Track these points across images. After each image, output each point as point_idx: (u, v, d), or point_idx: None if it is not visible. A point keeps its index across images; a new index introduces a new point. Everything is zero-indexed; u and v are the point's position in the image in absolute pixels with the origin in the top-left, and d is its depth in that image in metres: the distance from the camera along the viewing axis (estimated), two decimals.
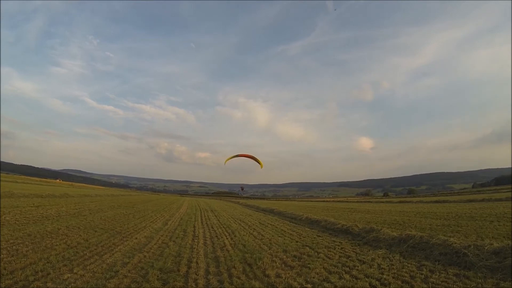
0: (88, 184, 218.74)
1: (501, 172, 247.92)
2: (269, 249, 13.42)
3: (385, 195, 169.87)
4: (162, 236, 16.71)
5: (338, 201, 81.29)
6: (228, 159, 55.20)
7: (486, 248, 10.23)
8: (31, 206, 25.73)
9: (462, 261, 9.99)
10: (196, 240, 15.78)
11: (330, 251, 12.73)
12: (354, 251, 12.65)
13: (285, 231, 19.26)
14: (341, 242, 14.78)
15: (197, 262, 11.03)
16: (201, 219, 27.25)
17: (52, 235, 14.71)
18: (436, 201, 43.93)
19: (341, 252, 12.51)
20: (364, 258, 11.32)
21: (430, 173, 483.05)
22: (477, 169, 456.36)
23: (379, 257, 11.41)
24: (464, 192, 79.36)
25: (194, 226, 21.47)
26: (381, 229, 15.52)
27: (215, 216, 31.14)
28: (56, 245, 12.68)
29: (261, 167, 56.96)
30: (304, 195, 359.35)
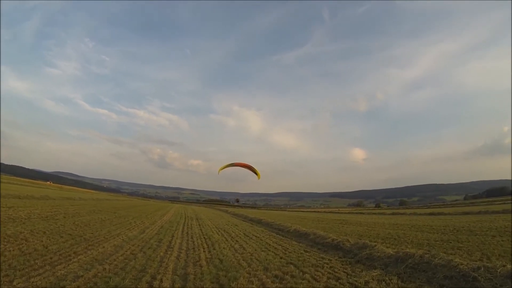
0: (79, 187, 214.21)
1: (492, 184, 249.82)
2: (248, 266, 11.78)
3: (377, 206, 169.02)
4: (133, 245, 15.19)
5: (329, 212, 79.70)
6: (222, 168, 52.98)
7: (498, 271, 8.70)
8: (2, 207, 23.92)
9: (471, 287, 8.46)
10: (169, 252, 14.17)
11: (318, 271, 11.07)
12: (344, 271, 10.99)
13: (269, 245, 17.56)
14: (331, 260, 13.10)
15: (161, 280, 9.49)
16: (183, 228, 25.44)
17: (10, 239, 13.38)
18: (431, 213, 42.56)
19: (329, 273, 10.83)
20: (356, 280, 9.67)
21: (422, 185, 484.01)
22: (468, 181, 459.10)
23: (373, 279, 9.76)
24: (458, 204, 78.36)
25: (172, 236, 19.73)
26: (375, 245, 13.80)
27: (199, 225, 29.35)
28: (8, 251, 11.32)
29: (258, 178, 54.57)
30: (296, 205, 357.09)
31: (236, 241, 19.01)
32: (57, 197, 48.80)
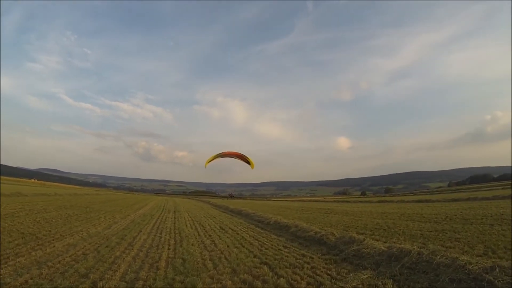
0: (64, 183, 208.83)
1: (475, 171, 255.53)
2: (214, 268, 9.80)
3: (363, 194, 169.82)
4: (89, 244, 13.37)
5: (315, 201, 78.30)
6: (210, 160, 50.03)
7: None
8: None
9: None
10: (127, 251, 12.15)
11: (296, 273, 9.10)
12: (328, 273, 9.02)
13: (245, 239, 15.55)
14: (312, 257, 11.10)
15: None
16: (155, 222, 23.21)
17: None
18: (418, 201, 41.29)
19: (310, 276, 8.85)
20: (342, 286, 7.75)
21: (407, 172, 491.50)
22: (452, 168, 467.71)
23: (363, 284, 7.85)
24: (444, 191, 78.10)
25: (139, 231, 17.59)
26: (364, 239, 11.77)
27: (174, 218, 27.14)
28: None
29: (252, 167, 51.73)
30: (282, 194, 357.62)
31: (209, 235, 17.00)
32: (30, 193, 46.15)
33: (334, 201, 68.01)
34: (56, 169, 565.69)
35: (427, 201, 39.85)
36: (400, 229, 16.22)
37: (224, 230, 19.40)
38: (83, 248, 12.43)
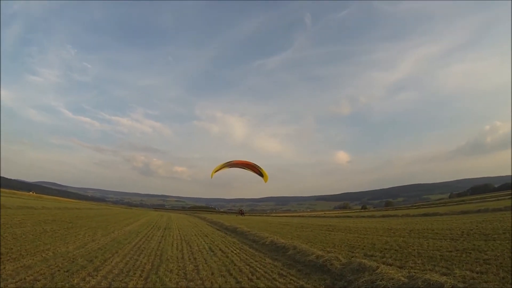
0: (63, 197, 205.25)
1: (475, 182, 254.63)
2: None
3: (363, 208, 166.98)
4: (49, 266, 11.44)
5: (315, 216, 75.58)
6: (217, 170, 46.56)
7: None
8: None
9: None
10: (88, 279, 10.04)
11: None
12: None
13: (235, 265, 13.24)
14: None
15: None
16: (138, 241, 20.71)
17: None
18: (425, 214, 38.71)
19: None
20: None
21: (407, 185, 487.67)
22: (452, 179, 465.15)
23: None
24: (449, 202, 75.73)
25: (115, 252, 15.37)
26: (377, 267, 9.35)
27: (162, 236, 24.66)
28: None
29: (265, 180, 47.15)
30: (282, 209, 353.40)
31: (194, 258, 14.73)
32: (14, 206, 43.47)
33: (335, 216, 65.42)
34: (55, 182, 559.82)
35: (434, 214, 37.35)
36: (414, 249, 13.92)
37: (213, 251, 17.08)
38: (37, 271, 10.49)
